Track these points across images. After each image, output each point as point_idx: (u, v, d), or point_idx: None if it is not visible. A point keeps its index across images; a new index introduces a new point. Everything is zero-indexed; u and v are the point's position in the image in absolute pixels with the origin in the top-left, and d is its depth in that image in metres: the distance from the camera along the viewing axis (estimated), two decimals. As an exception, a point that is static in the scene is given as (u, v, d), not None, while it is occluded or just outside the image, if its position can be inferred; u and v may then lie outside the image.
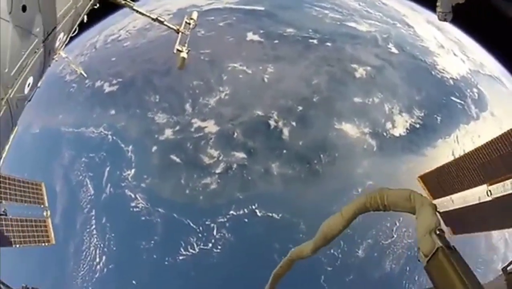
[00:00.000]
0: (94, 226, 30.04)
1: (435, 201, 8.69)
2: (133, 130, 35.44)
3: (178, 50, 7.83)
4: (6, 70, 3.88)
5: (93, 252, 29.40)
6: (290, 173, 32.77)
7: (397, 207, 3.62)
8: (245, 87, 39.55)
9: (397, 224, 31.98)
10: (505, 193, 5.85)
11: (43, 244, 12.59)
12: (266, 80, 40.67)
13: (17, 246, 11.23)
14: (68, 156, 33.72)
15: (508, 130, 5.96)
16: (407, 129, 38.30)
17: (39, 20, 4.44)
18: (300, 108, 37.69)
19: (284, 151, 33.97)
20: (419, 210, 3.48)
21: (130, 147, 34.21)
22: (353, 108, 38.35)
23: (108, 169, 32.94)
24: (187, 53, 7.90)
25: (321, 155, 34.15)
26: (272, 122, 36.07)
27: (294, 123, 36.29)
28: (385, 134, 37.08)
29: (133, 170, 32.76)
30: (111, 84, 38.84)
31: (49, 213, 13.41)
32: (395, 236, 31.42)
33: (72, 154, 33.75)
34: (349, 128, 36.61)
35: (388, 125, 37.88)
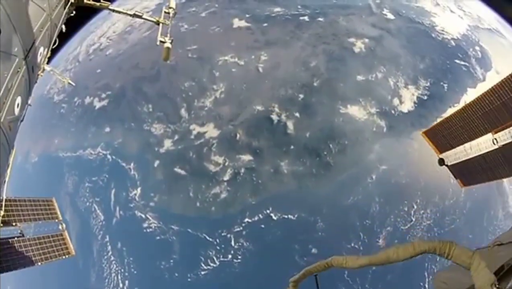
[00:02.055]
0: (111, 252, 28.45)
1: (442, 155, 9.13)
2: (132, 146, 32.74)
3: (161, 41, 7.27)
4: None
5: (115, 278, 28.04)
6: (300, 169, 30.40)
7: (457, 259, 3.55)
8: (240, 81, 36.06)
9: (415, 206, 30.17)
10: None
11: (63, 256, 12.30)
12: (261, 69, 37.03)
13: (39, 264, 10.97)
14: (71, 182, 31.42)
15: (507, 76, 5.53)
16: (414, 103, 35.20)
17: (16, 39, 4.32)
18: (302, 96, 34.48)
19: (292, 147, 31.36)
20: (476, 267, 3.21)
21: (132, 164, 31.72)
22: (357, 87, 35.05)
23: (113, 191, 30.73)
24: (170, 43, 7.31)
25: (330, 145, 31.55)
26: (274, 117, 33.09)
27: (297, 114, 33.30)
28: (393, 111, 34.05)
29: (139, 189, 30.53)
30: (100, 98, 35.52)
31: (64, 226, 13.19)
32: (413, 219, 29.67)
33: (75, 180, 31.41)
34: (355, 111, 33.60)
35: (395, 101, 34.76)
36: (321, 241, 27.14)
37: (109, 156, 32.35)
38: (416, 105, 35.10)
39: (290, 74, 36.12)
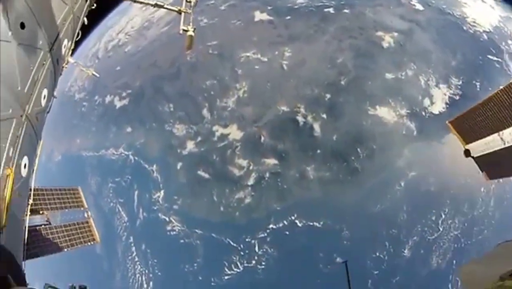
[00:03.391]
0: (135, 253, 27.76)
1: (468, 146, 8.56)
2: (154, 147, 31.40)
3: (184, 30, 7.17)
4: (19, 88, 4.03)
5: (139, 278, 27.46)
6: (327, 175, 28.56)
7: None
8: (264, 79, 33.82)
9: (443, 216, 28.14)
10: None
11: (89, 243, 12.40)
12: (285, 67, 34.60)
13: (66, 250, 11.19)
14: (94, 183, 30.49)
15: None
16: (446, 103, 32.31)
17: (40, 32, 4.25)
18: (328, 95, 32.12)
19: (318, 151, 29.41)
20: None
21: (154, 166, 30.47)
22: (386, 86, 32.37)
23: (136, 192, 29.72)
24: (193, 31, 7.21)
25: (358, 149, 29.44)
26: (300, 118, 30.99)
27: (324, 116, 31.11)
28: (423, 113, 31.37)
29: (162, 192, 29.40)
30: (121, 97, 33.98)
31: (90, 214, 13.27)
32: (441, 229, 27.67)
33: (98, 180, 30.45)
34: (384, 112, 31.12)
35: (426, 102, 31.98)
36: (346, 249, 25.68)
37: (131, 157, 31.17)
38: (447, 106, 32.30)
39: (316, 72, 33.66)
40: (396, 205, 27.46)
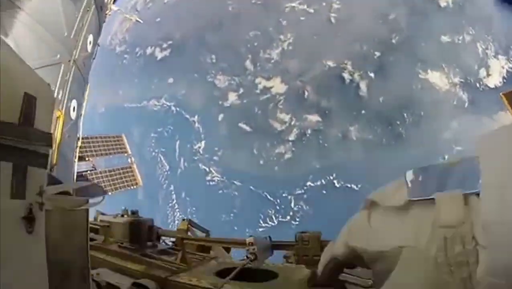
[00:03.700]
0: (175, 201, 28.78)
1: None
2: (195, 98, 31.17)
3: None
4: (66, 35, 4.12)
5: (178, 225, 28.79)
6: (370, 138, 27.44)
7: None
8: (310, 32, 31.79)
9: None
10: None
11: (132, 187, 13.00)
12: (333, 20, 32.23)
13: (110, 193, 11.66)
14: (137, 133, 31.01)
15: None
16: (503, 77, 29.08)
17: None
18: (378, 54, 29.92)
19: (363, 111, 28.06)
20: None
21: (196, 117, 30.47)
22: (440, 50, 29.43)
23: (178, 143, 30.14)
24: None
25: (405, 114, 27.75)
26: (346, 75, 29.36)
27: (372, 75, 29.26)
28: (478, 84, 28.38)
29: (203, 142, 29.64)
30: (162, 49, 33.36)
31: (133, 159, 13.60)
32: None
33: (140, 130, 30.96)
34: (436, 78, 28.69)
35: (482, 72, 28.81)
36: None
37: (173, 108, 31.25)
38: (504, 80, 29.17)
39: (366, 28, 31.12)
40: None
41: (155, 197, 28.99)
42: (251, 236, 1.46)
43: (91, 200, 1.42)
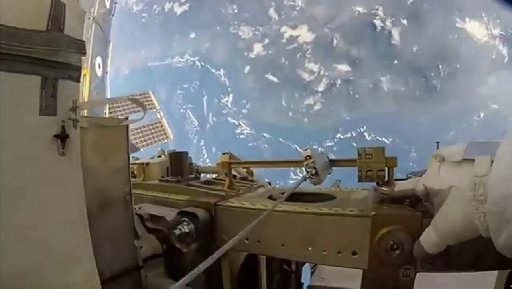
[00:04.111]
0: (206, 156, 29.02)
1: None
2: (220, 52, 30.22)
3: None
4: None
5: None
6: (402, 90, 26.67)
7: None
8: (337, -23, 29.93)
9: None
10: None
11: (163, 141, 13.14)
12: (362, -38, 30.14)
13: (142, 149, 12.00)
14: (164, 91, 30.49)
15: None
16: None
17: None
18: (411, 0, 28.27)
19: (395, 61, 27.04)
20: None
21: (222, 71, 29.76)
22: None
23: (205, 98, 29.78)
24: None
25: (440, 66, 26.63)
26: (377, 22, 27.89)
27: (405, 22, 27.78)
28: None
29: (230, 96, 29.25)
30: (180, 3, 31.67)
31: (162, 114, 13.81)
32: None
33: (167, 88, 30.39)
34: (474, 28, 27.07)
35: None
36: (411, 171, 24.94)
37: (197, 63, 30.46)
38: None
39: (399, -29, 29.10)
40: (470, 137, 24.11)
41: (185, 153, 29.24)
42: (306, 148, 1.24)
43: (130, 116, 1.27)
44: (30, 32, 0.74)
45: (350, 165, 1.39)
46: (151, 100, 13.86)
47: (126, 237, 1.22)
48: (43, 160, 0.77)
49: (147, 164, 2.42)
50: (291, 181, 27.95)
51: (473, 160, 0.75)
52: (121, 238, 1.20)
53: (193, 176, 2.09)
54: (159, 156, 3.14)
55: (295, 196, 1.39)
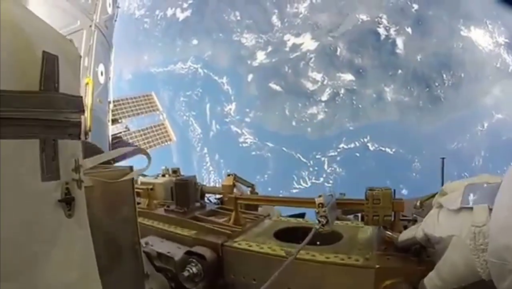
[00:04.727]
0: (209, 163, 28.71)
1: None
2: (222, 59, 29.58)
3: None
4: (83, 0, 4.28)
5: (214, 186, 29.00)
6: (406, 100, 26.22)
7: None
8: (340, -17, 29.11)
9: None
10: None
11: (166, 143, 13.10)
12: (365, -31, 29.32)
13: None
14: (167, 97, 29.93)
15: None
16: None
17: None
18: (416, 6, 27.43)
19: (399, 71, 26.51)
20: None
21: (224, 78, 29.19)
22: (485, 4, 26.55)
23: (208, 106, 29.27)
24: None
25: (444, 75, 26.12)
26: (381, 30, 27.27)
27: (409, 30, 27.15)
28: None
29: (233, 104, 28.74)
30: (182, 9, 30.88)
31: (165, 115, 13.66)
32: None
33: (169, 94, 29.84)
34: (479, 36, 26.41)
35: None
36: (414, 182, 24.10)
37: (200, 70, 29.84)
38: None
39: (403, -23, 28.30)
40: (474, 147, 24.80)
41: (189, 160, 28.94)
42: (320, 195, 1.28)
43: (135, 168, 1.23)
44: (22, 94, 0.67)
45: (358, 208, 1.46)
46: (154, 102, 13.47)
47: (137, 284, 1.24)
48: (50, 223, 0.74)
49: (151, 188, 2.37)
50: (294, 190, 27.45)
51: (471, 208, 0.75)
52: (133, 286, 1.21)
53: (198, 204, 2.09)
54: (163, 175, 3.21)
55: (302, 230, 1.45)
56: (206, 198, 3.23)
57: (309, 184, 26.77)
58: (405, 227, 1.30)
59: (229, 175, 3.22)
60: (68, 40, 0.84)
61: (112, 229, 1.12)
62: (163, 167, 3.51)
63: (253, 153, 27.90)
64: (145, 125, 12.71)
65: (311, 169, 26.76)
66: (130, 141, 11.57)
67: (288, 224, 1.76)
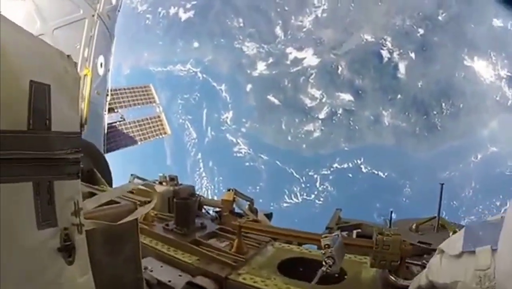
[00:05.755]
0: (202, 169, 27.91)
1: None
2: (223, 65, 28.41)
3: None
4: None
5: (205, 193, 28.31)
6: (403, 126, 25.74)
7: None
8: None
9: (508, 204, 24.89)
10: None
11: (161, 136, 12.95)
12: (374, -12, 28.20)
13: (139, 143, 11.75)
14: (164, 98, 28.46)
15: None
16: None
17: None
18: (421, 31, 26.63)
19: (399, 96, 25.92)
20: None
21: (223, 86, 28.12)
22: (491, 35, 26.03)
23: (205, 111, 28.26)
24: None
25: (443, 104, 25.61)
26: (385, 53, 26.47)
27: (412, 55, 26.40)
28: None
29: (230, 112, 27.80)
30: (185, 9, 29.29)
31: (161, 108, 13.47)
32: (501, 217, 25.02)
33: (167, 95, 28.55)
34: (482, 67, 25.78)
35: None
36: (404, 207, 23.88)
37: (199, 74, 28.67)
38: None
39: (411, 0, 27.32)
40: (466, 178, 24.40)
41: (183, 164, 28.16)
42: (325, 236, 1.28)
43: (139, 207, 1.15)
44: (8, 134, 0.58)
45: (365, 251, 1.38)
46: (151, 94, 13.31)
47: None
48: (50, 272, 0.69)
49: (149, 201, 2.17)
50: (285, 204, 27.08)
51: (473, 251, 0.73)
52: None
53: (199, 225, 1.99)
54: (160, 183, 3.08)
55: (304, 262, 1.46)
56: (204, 210, 3.32)
57: (300, 199, 26.41)
58: (407, 268, 1.31)
59: (229, 190, 3.20)
60: (66, 58, 0.71)
61: (115, 269, 1.06)
62: (161, 174, 3.38)
63: (247, 164, 27.29)
64: (141, 116, 12.33)
65: (303, 185, 26.34)
66: (125, 131, 11.37)
67: (291, 254, 1.72)
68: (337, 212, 2.91)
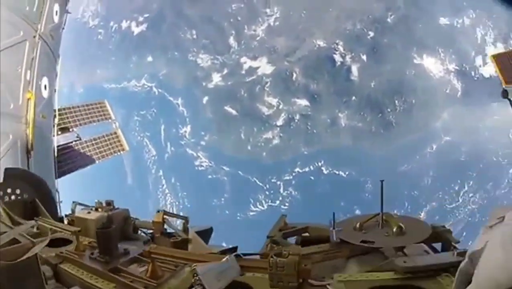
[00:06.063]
0: (165, 186, 27.12)
1: (508, 86, 7.91)
2: (177, 79, 27.82)
3: None
4: (27, 9, 3.84)
5: (170, 209, 27.46)
6: (359, 125, 25.89)
7: None
8: (299, 6, 27.88)
9: (466, 188, 24.69)
10: None
11: (119, 152, 12.68)
12: (324, -7, 28.37)
13: (97, 161, 11.55)
14: (120, 115, 27.36)
15: None
16: None
17: None
18: (372, 34, 26.95)
19: (353, 98, 26.07)
20: None
21: (179, 100, 27.52)
22: (438, 32, 26.52)
23: (163, 127, 27.54)
24: None
25: (396, 101, 25.96)
26: (337, 57, 26.61)
27: (364, 57, 26.65)
28: (473, 73, 26.00)
29: (188, 127, 27.22)
30: (138, 23, 28.60)
31: (117, 124, 13.29)
32: (460, 200, 24.73)
33: (123, 113, 27.51)
34: (431, 64, 26.31)
35: (478, 60, 25.94)
36: (367, 202, 23.63)
37: (155, 89, 27.97)
38: None
39: (360, 4, 27.61)
40: (423, 168, 25.02)
41: (145, 182, 27.29)
42: (195, 265, 1.32)
43: (37, 243, 1.26)
44: None
45: (262, 272, 1.52)
46: (106, 110, 12.90)
47: None
48: None
49: (80, 230, 2.34)
50: (251, 213, 26.58)
51: (503, 218, 0.83)
52: None
53: (122, 251, 2.07)
54: (96, 209, 3.07)
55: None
56: (140, 232, 3.35)
57: (266, 207, 26.16)
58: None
59: (158, 211, 3.19)
60: None
61: None
62: (96, 200, 3.35)
63: (210, 176, 26.77)
64: (97, 134, 12.05)
65: (267, 192, 26.07)
66: (82, 151, 11.07)
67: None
68: (282, 218, 2.91)
